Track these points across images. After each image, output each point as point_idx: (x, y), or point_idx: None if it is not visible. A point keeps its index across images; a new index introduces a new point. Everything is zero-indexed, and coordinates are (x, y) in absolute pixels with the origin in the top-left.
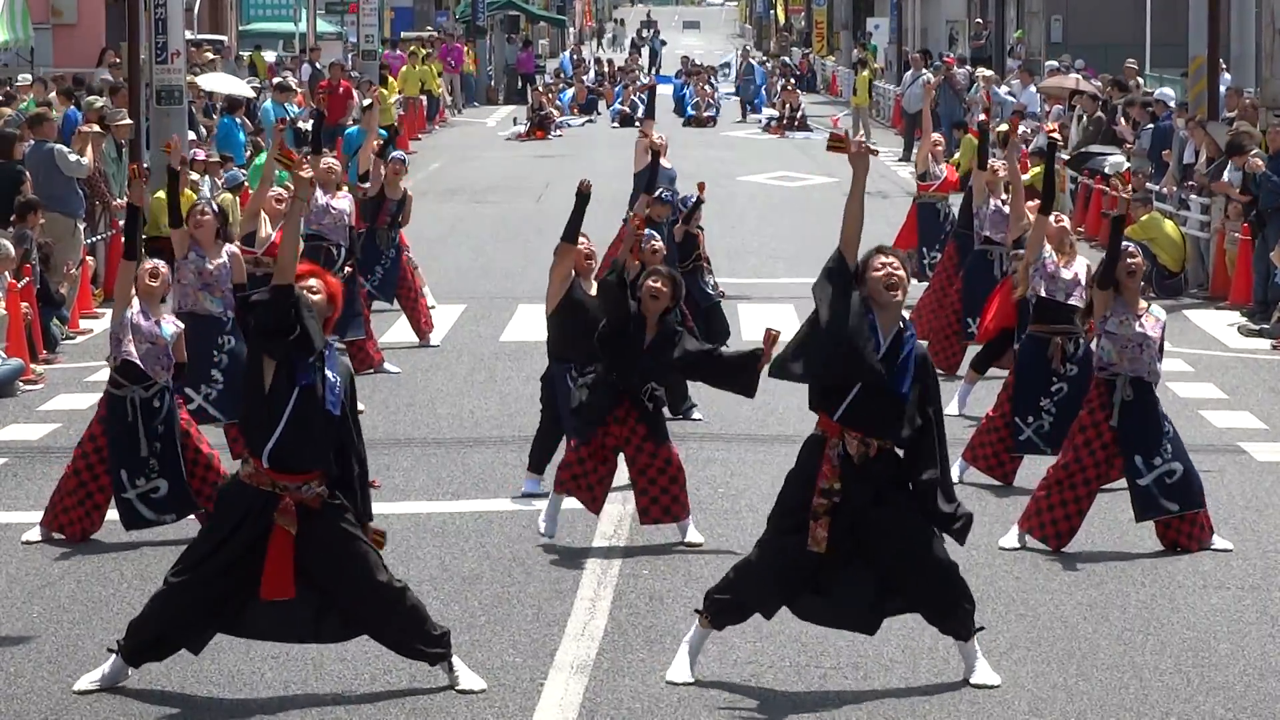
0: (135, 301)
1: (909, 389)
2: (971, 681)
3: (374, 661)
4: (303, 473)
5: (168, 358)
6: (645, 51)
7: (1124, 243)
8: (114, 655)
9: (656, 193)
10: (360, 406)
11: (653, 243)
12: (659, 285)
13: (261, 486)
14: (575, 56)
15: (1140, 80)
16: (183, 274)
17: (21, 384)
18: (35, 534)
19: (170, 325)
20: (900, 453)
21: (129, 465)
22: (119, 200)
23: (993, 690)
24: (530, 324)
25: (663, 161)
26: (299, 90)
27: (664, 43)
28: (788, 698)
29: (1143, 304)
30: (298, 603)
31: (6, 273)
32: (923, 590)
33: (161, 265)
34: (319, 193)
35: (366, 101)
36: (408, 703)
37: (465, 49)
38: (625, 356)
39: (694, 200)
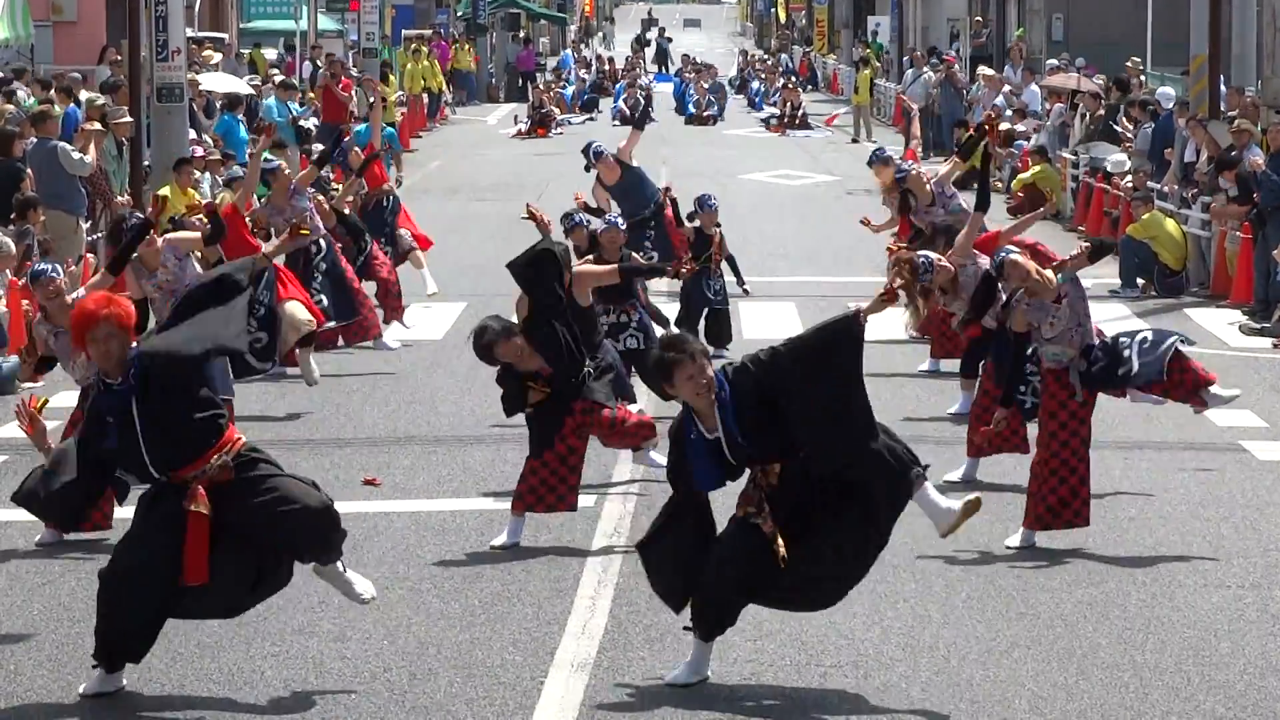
0: (46, 332)
1: (739, 431)
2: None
3: (374, 660)
4: (198, 460)
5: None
6: (649, 50)
7: (1001, 255)
8: (97, 670)
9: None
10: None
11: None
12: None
13: (174, 483)
14: (577, 54)
15: (1143, 79)
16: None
17: (21, 382)
18: (47, 535)
19: None
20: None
21: None
22: (120, 198)
23: (993, 688)
24: None
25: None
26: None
27: (670, 40)
28: (787, 696)
29: (1049, 277)
30: (232, 578)
31: (7, 270)
32: (864, 469)
33: (46, 273)
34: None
35: (373, 98)
36: (408, 701)
37: (456, 46)
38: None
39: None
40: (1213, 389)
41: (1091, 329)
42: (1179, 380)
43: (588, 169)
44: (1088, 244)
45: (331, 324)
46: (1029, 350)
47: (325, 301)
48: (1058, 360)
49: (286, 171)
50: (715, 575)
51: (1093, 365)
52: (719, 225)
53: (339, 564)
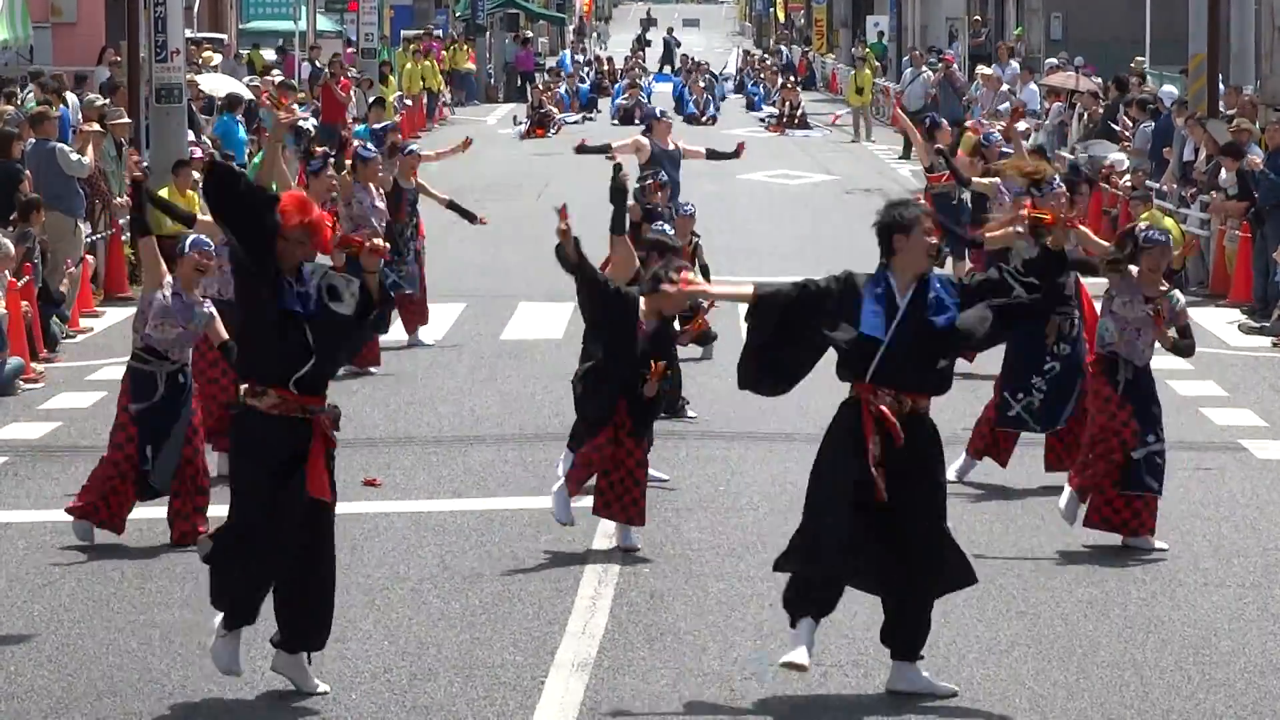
0: (168, 283)
1: (946, 321)
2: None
3: (374, 660)
4: (320, 396)
5: (193, 340)
6: (648, 50)
7: (1155, 235)
8: (220, 636)
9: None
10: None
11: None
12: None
13: (291, 414)
14: (574, 55)
15: (1143, 77)
16: (222, 260)
17: (22, 383)
18: (79, 528)
19: (204, 308)
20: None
21: (155, 440)
22: (119, 199)
23: (993, 687)
24: (531, 322)
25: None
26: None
27: (679, 42)
28: (788, 696)
29: (1162, 286)
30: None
31: (6, 271)
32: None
33: (209, 248)
34: (366, 193)
35: (374, 98)
36: (407, 701)
37: (454, 47)
38: (622, 342)
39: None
40: (1142, 542)
41: (1147, 357)
42: (1127, 501)
43: (645, 132)
44: (1172, 338)
45: None
46: (1046, 356)
47: None
48: (1106, 342)
49: (381, 172)
50: (820, 533)
51: (1133, 389)
52: (697, 235)
53: (304, 658)
